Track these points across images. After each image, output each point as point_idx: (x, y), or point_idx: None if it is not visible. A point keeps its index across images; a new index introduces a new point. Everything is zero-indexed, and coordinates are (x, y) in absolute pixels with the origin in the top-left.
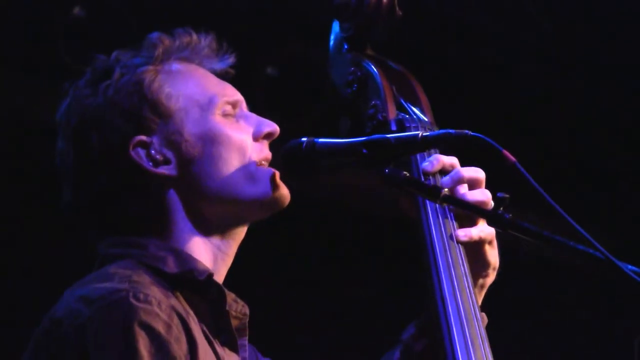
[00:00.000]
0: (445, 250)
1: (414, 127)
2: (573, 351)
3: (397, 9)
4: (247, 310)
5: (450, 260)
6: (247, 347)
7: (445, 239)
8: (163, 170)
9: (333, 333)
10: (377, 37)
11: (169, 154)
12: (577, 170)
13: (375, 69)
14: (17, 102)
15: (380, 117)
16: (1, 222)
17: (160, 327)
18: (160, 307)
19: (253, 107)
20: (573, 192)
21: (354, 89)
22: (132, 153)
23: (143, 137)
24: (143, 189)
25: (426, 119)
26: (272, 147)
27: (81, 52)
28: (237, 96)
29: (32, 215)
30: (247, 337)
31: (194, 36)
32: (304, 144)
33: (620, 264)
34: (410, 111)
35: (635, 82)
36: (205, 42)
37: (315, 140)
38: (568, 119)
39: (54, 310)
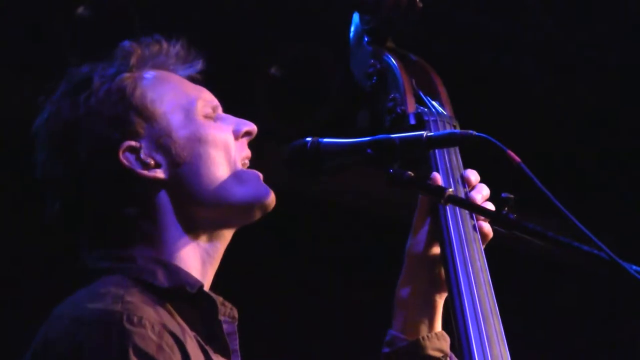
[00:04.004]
0: (463, 245)
1: (432, 120)
2: (578, 352)
3: (418, 1)
4: (235, 314)
5: (467, 255)
6: (238, 353)
7: (463, 234)
8: (155, 173)
9: (335, 334)
10: (398, 30)
11: (159, 157)
12: (582, 171)
13: (395, 62)
14: (19, 103)
15: (399, 111)
16: (2, 222)
17: (155, 353)
18: (154, 330)
19: (255, 108)
20: (577, 192)
21: (374, 81)
22: (122, 158)
23: (132, 142)
24: (135, 194)
25: (445, 113)
26: (275, 149)
27: (85, 52)
28: (215, 100)
29: (33, 216)
30: (237, 342)
31: (164, 44)
32: (309, 144)
33: (624, 264)
34: (430, 105)
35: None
36: (174, 49)
37: (320, 140)
38: (571, 119)
39: (45, 330)
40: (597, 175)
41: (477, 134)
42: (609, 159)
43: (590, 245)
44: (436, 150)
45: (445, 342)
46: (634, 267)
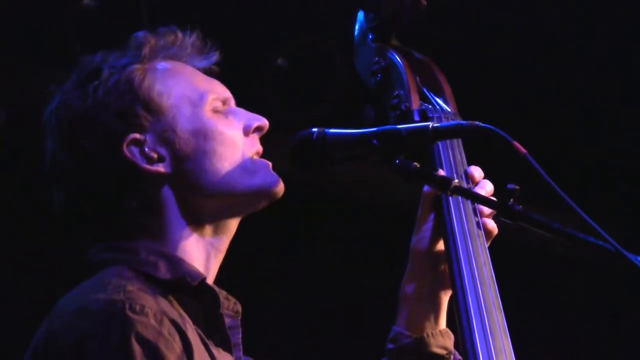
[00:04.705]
0: (466, 238)
1: (436, 117)
2: (581, 346)
3: None
4: (239, 308)
5: (470, 249)
6: (240, 346)
7: (466, 228)
8: (158, 167)
9: (339, 329)
10: (402, 28)
11: (163, 151)
12: (581, 170)
13: (399, 59)
14: (28, 93)
15: (403, 107)
16: (15, 214)
17: (157, 340)
18: (156, 318)
19: (261, 101)
20: (577, 192)
21: (378, 78)
22: (126, 151)
23: (136, 135)
24: (138, 188)
25: (449, 110)
26: (280, 140)
27: (92, 42)
28: (227, 93)
29: (33, 214)
30: (239, 335)
31: (179, 34)
32: (315, 135)
33: (630, 256)
34: (434, 101)
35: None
36: (189, 40)
37: (326, 130)
38: (575, 114)
39: (48, 323)
40: (596, 175)
41: (483, 124)
42: (609, 158)
43: (596, 236)
44: (440, 146)
45: (449, 340)
46: None
